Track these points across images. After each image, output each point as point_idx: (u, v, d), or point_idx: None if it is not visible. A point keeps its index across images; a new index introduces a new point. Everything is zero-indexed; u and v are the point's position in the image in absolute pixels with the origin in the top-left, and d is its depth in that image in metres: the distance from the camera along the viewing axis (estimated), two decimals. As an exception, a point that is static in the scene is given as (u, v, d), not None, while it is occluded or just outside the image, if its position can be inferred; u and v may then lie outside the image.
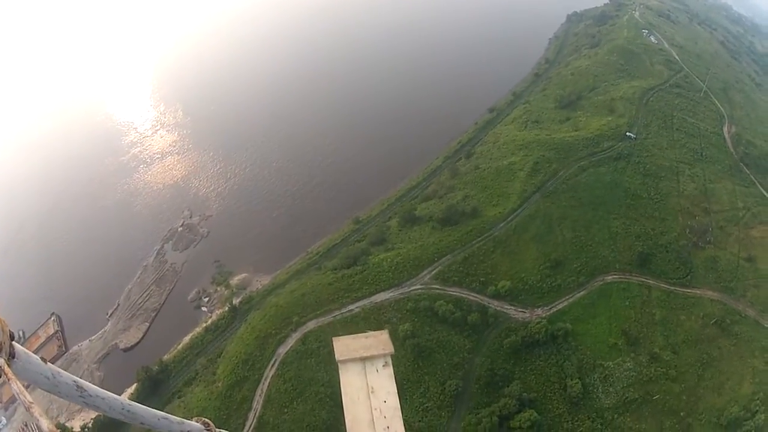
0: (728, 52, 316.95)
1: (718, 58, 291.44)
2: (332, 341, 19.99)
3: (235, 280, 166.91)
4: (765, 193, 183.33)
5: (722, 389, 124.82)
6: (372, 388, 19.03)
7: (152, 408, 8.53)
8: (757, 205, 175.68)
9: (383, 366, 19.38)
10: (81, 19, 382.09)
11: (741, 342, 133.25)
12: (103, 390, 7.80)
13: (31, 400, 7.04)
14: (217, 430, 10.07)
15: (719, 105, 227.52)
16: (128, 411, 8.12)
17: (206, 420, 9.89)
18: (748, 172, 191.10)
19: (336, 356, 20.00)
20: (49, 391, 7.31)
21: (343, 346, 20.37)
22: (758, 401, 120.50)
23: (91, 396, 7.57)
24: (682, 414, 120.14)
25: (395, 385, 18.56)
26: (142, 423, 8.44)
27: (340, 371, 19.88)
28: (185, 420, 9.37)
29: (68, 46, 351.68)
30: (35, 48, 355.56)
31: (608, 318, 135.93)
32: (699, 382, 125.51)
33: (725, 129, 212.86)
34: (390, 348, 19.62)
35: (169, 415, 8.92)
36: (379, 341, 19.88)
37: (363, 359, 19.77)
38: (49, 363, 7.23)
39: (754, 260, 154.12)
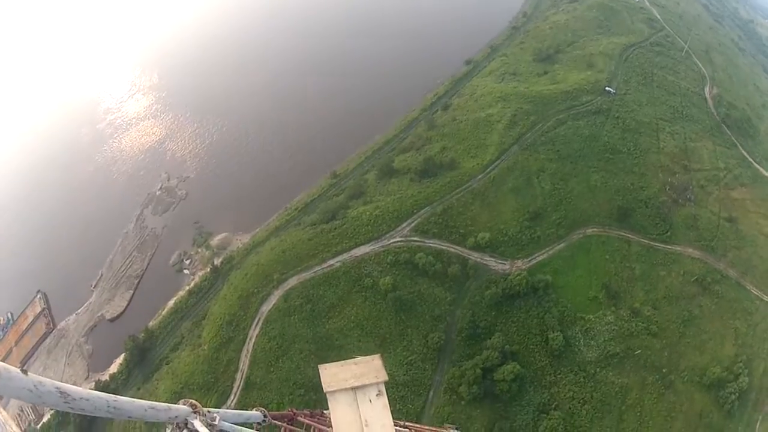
0: (711, 15, 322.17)
1: (701, 21, 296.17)
2: (319, 370, 20.35)
3: (215, 241, 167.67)
4: (746, 156, 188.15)
5: (704, 348, 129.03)
6: (366, 421, 18.69)
7: (138, 399, 8.79)
8: (738, 167, 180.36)
9: (377, 395, 19.37)
10: None
11: (723, 302, 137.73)
12: (86, 391, 7.96)
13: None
14: (204, 409, 10.83)
15: (701, 65, 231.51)
16: (114, 408, 8.28)
17: (193, 402, 10.62)
18: (729, 133, 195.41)
19: (324, 387, 20.09)
20: (34, 404, 6.98)
21: (331, 375, 20.50)
22: (741, 364, 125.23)
23: (75, 400, 7.63)
24: (664, 370, 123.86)
25: (390, 417, 18.37)
26: (129, 417, 8.80)
27: (329, 403, 19.92)
28: (172, 405, 9.99)
29: (41, 13, 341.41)
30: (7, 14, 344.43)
31: (588, 271, 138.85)
32: (680, 339, 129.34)
33: (707, 90, 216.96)
34: (383, 375, 19.75)
35: (156, 404, 9.29)
36: (371, 368, 18.98)
37: (354, 389, 19.66)
38: (30, 374, 7.44)
39: (735, 221, 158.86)
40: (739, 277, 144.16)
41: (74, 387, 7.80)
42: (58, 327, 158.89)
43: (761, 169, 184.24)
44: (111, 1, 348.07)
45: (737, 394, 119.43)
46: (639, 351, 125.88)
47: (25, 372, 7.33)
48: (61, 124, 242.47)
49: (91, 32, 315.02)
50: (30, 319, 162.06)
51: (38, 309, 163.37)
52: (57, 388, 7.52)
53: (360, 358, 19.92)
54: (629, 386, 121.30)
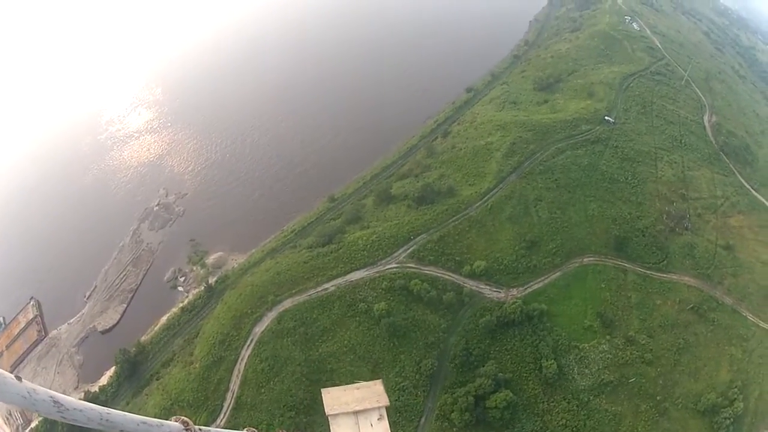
0: (712, 42, 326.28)
1: (702, 48, 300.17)
2: (321, 393, 20.71)
3: (210, 259, 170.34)
4: (744, 183, 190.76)
5: (699, 375, 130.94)
6: None
7: (131, 413, 8.98)
8: (735, 194, 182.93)
9: (378, 420, 19.56)
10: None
11: (718, 329, 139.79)
12: (80, 402, 8.19)
13: None
14: (196, 427, 10.53)
15: (700, 94, 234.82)
16: (107, 420, 8.59)
17: (185, 419, 10.37)
18: (727, 161, 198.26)
19: (326, 410, 19.82)
20: (27, 409, 8.25)
21: (333, 399, 20.19)
22: (736, 389, 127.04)
23: (68, 410, 7.90)
24: (658, 398, 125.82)
25: None
26: (121, 430, 8.82)
27: (331, 427, 19.61)
28: (164, 421, 9.94)
29: (47, 24, 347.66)
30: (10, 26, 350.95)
31: (584, 300, 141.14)
32: (675, 367, 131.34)
33: (706, 118, 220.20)
34: (385, 400, 20.04)
35: (148, 419, 9.48)
36: (373, 392, 20.57)
37: (356, 413, 19.68)
38: (24, 381, 7.40)
39: (732, 249, 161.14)
40: (735, 304, 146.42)
41: (68, 397, 7.82)
42: (50, 335, 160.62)
43: (759, 196, 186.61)
44: (120, 14, 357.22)
45: (732, 419, 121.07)
46: (633, 379, 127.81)
47: (19, 378, 7.09)
48: (62, 132, 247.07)
49: (99, 44, 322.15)
50: (22, 324, 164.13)
51: (30, 315, 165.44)
52: (51, 396, 7.54)
53: (362, 383, 21.52)
54: (623, 414, 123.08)
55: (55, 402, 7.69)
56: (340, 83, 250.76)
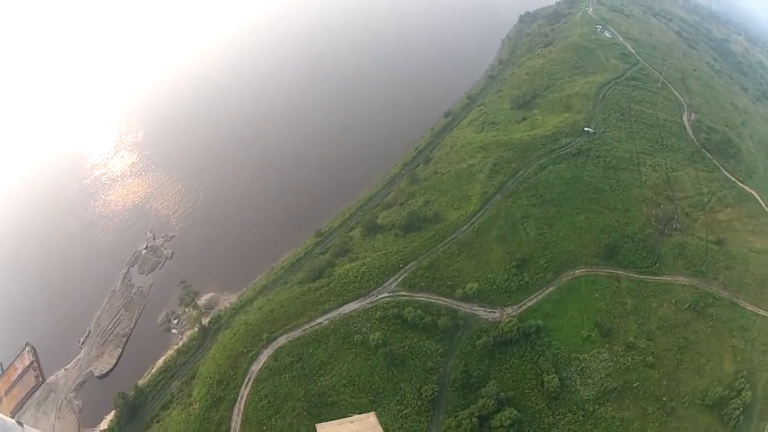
0: (684, 41, 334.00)
1: (675, 48, 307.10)
2: (316, 429, 23.63)
3: (202, 300, 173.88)
4: (729, 176, 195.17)
5: (703, 371, 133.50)
6: None
7: None
8: (722, 188, 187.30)
9: None
10: (44, 40, 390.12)
11: (718, 323, 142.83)
12: None
13: None
14: None
15: (677, 94, 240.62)
16: None
17: None
18: (710, 157, 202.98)
19: None
20: None
21: None
22: (743, 379, 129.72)
23: None
24: (664, 399, 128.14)
25: None
26: None
27: None
28: None
29: (29, 67, 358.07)
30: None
31: (579, 311, 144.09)
32: (678, 366, 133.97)
33: (685, 117, 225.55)
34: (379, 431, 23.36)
35: None
36: (367, 425, 23.80)
37: None
38: (26, 426, 9.81)
39: (724, 243, 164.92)
40: (733, 296, 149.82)
41: None
42: (48, 381, 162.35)
43: (746, 186, 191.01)
44: (99, 58, 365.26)
45: (741, 408, 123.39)
46: (637, 383, 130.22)
47: (20, 424, 9.07)
48: (46, 177, 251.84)
49: (80, 88, 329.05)
50: (19, 371, 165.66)
51: (27, 361, 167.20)
52: None
53: (356, 417, 24.00)
54: (630, 419, 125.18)
55: None
56: (320, 119, 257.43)
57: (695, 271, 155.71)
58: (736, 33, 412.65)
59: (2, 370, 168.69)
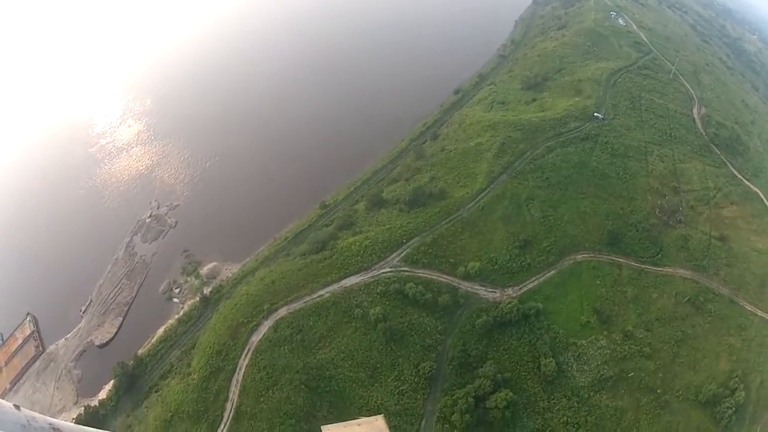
0: (699, 35, 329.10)
1: (688, 41, 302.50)
2: (322, 431, 21.03)
3: (204, 270, 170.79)
4: (736, 173, 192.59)
5: (698, 367, 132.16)
6: None
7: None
8: (728, 185, 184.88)
9: None
10: (53, 10, 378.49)
11: (716, 320, 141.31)
12: (79, 427, 8.55)
13: None
14: None
15: (689, 87, 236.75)
16: None
17: None
18: (718, 152, 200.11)
19: None
20: None
21: None
22: (737, 378, 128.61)
23: None
24: (659, 391, 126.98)
25: None
26: None
27: None
28: None
29: (36, 36, 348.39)
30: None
31: (579, 296, 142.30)
32: (674, 360, 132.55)
33: (695, 110, 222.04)
34: None
35: None
36: (374, 429, 21.26)
37: None
38: (23, 409, 7.53)
39: (727, 239, 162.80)
40: (732, 294, 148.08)
41: (67, 423, 7.94)
42: (48, 350, 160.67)
43: (751, 185, 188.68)
44: (107, 25, 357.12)
45: (734, 408, 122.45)
46: (633, 373, 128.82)
47: (17, 407, 7.08)
48: (52, 145, 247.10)
49: (87, 55, 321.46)
50: (19, 341, 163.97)
51: (28, 331, 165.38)
52: (50, 424, 7.70)
53: (363, 419, 21.79)
54: (624, 409, 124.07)
55: (55, 429, 7.82)
56: (329, 90, 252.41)
57: (696, 265, 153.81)
58: (750, 32, 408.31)
59: (2, 340, 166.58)
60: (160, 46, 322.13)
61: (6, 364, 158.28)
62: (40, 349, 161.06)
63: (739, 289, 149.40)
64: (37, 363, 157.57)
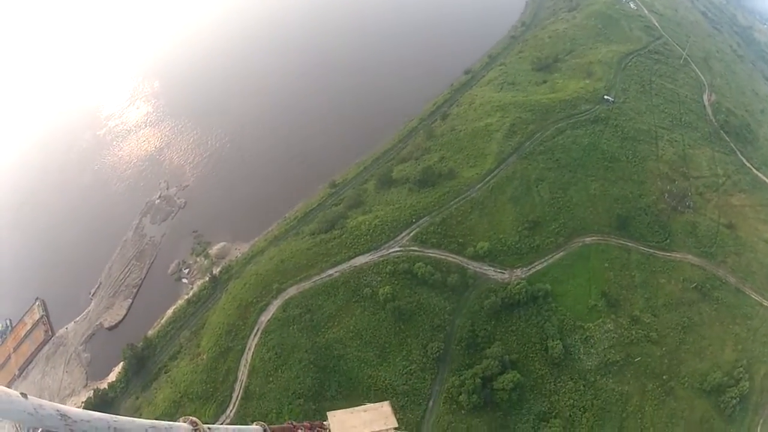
0: (709, 22, 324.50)
1: (699, 28, 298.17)
2: (327, 417, 19.22)
3: (214, 250, 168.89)
4: (745, 162, 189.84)
5: (704, 354, 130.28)
6: None
7: (140, 418, 8.91)
8: (737, 173, 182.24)
9: None
10: None
11: (722, 308, 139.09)
12: (87, 412, 8.14)
13: None
14: (205, 426, 10.72)
15: (699, 73, 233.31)
16: (116, 429, 8.50)
17: (194, 419, 10.51)
18: (728, 139, 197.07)
19: None
20: (35, 427, 7.53)
21: (340, 422, 19.52)
22: (741, 368, 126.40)
23: (76, 422, 7.82)
24: (664, 377, 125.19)
25: None
26: None
27: None
28: (173, 423, 10.02)
29: (43, 18, 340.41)
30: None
31: (588, 279, 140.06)
32: (680, 346, 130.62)
33: (705, 97, 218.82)
34: (393, 422, 18.81)
35: (156, 423, 9.53)
36: (380, 415, 19.01)
37: None
38: (30, 397, 7.30)
39: (735, 228, 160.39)
40: (739, 283, 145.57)
41: (75, 409, 7.79)
42: (57, 334, 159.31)
43: (760, 174, 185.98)
44: (115, 7, 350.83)
45: (738, 398, 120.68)
46: (639, 358, 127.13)
47: (24, 395, 7.02)
48: (61, 128, 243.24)
49: (95, 37, 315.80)
50: (28, 326, 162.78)
51: (37, 316, 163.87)
52: (58, 410, 7.54)
53: (369, 405, 19.95)
54: (630, 393, 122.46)
55: (62, 415, 7.73)
56: (338, 69, 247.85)
57: (704, 252, 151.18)
58: (761, 22, 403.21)
59: (11, 326, 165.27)
60: (168, 27, 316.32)
61: (15, 349, 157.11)
62: (50, 333, 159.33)
63: (746, 279, 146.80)
64: (47, 347, 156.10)
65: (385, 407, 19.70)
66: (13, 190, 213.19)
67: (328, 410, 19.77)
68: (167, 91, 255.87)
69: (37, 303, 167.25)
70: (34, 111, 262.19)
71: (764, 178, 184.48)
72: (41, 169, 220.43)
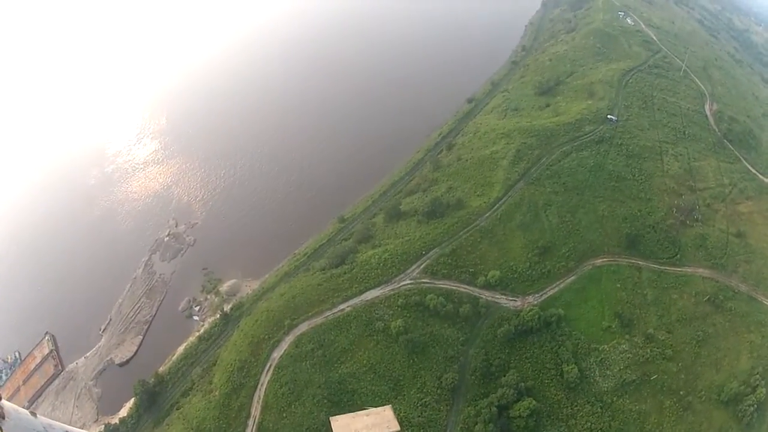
0: (706, 30, 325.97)
1: (697, 37, 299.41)
2: (330, 421, 20.63)
3: (224, 287, 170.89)
4: (750, 168, 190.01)
5: (720, 366, 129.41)
6: None
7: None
8: (743, 180, 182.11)
9: None
10: (68, 27, 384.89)
11: (736, 317, 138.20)
12: None
13: None
14: None
15: (699, 83, 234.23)
16: None
17: None
18: (732, 148, 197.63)
19: None
20: None
21: (343, 426, 20.85)
22: (758, 375, 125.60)
23: None
24: (681, 393, 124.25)
25: None
26: None
27: None
28: None
29: (55, 54, 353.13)
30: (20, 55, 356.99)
31: (600, 301, 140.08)
32: (696, 360, 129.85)
33: (707, 107, 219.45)
34: (395, 425, 20.57)
35: None
36: (383, 419, 20.71)
37: None
38: (39, 416, 7.97)
39: (744, 236, 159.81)
40: (751, 291, 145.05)
41: (83, 431, 8.52)
42: (67, 369, 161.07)
43: (766, 179, 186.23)
44: (123, 45, 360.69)
45: (755, 405, 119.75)
46: (655, 376, 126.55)
47: (34, 414, 7.64)
48: (69, 164, 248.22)
49: (104, 75, 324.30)
50: (38, 359, 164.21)
51: (46, 350, 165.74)
52: (66, 431, 8.43)
53: (371, 409, 21.51)
54: (647, 412, 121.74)
55: None
56: (343, 105, 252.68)
57: (715, 264, 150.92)
58: (757, 23, 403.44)
59: (20, 359, 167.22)
60: (175, 65, 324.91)
61: (24, 382, 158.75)
62: (60, 367, 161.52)
63: (757, 285, 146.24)
64: (57, 381, 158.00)
65: (387, 411, 21.10)
66: (24, 225, 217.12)
67: (330, 417, 20.95)
68: (174, 128, 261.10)
69: (47, 337, 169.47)
70: (43, 146, 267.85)
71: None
72: (50, 203, 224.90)
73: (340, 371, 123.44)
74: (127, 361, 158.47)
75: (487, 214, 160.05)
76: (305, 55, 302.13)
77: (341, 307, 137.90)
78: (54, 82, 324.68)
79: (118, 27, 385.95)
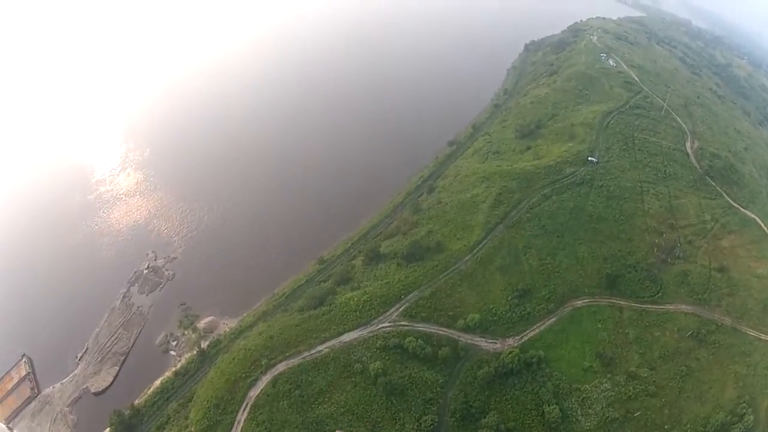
0: (688, 67, 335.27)
1: (678, 75, 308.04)
2: None
3: (202, 323, 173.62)
4: (732, 202, 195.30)
5: (705, 398, 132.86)
6: None
7: None
8: (725, 215, 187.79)
9: None
10: (53, 55, 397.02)
11: (720, 350, 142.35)
12: None
13: None
14: None
15: (681, 121, 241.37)
16: None
17: None
18: (714, 184, 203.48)
19: None
20: None
21: None
22: (744, 404, 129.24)
23: None
24: (666, 427, 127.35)
25: None
26: None
27: None
28: None
29: (39, 79, 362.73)
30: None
31: (581, 342, 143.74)
32: (680, 394, 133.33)
33: (688, 144, 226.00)
34: None
35: None
36: None
37: None
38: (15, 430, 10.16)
39: (726, 270, 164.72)
40: (735, 323, 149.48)
41: None
42: (43, 393, 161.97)
43: (748, 212, 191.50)
44: (109, 74, 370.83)
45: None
46: (639, 413, 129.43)
47: (10, 430, 9.53)
48: (52, 190, 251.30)
49: (89, 102, 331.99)
50: (15, 380, 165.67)
51: (23, 372, 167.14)
52: None
53: None
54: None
55: None
56: (325, 146, 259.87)
57: (698, 299, 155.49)
58: (739, 57, 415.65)
59: None
60: (161, 96, 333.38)
61: (1, 402, 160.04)
62: (36, 390, 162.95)
63: (741, 317, 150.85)
64: (33, 404, 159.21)
65: None
66: (4, 247, 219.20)
67: None
68: (158, 160, 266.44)
69: (24, 359, 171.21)
70: (26, 171, 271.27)
71: (752, 215, 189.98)
72: (31, 227, 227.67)
73: (317, 412, 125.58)
74: (103, 391, 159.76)
75: (467, 258, 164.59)
76: (291, 97, 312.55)
77: (319, 348, 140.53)
78: (38, 104, 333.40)
79: (105, 54, 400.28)
